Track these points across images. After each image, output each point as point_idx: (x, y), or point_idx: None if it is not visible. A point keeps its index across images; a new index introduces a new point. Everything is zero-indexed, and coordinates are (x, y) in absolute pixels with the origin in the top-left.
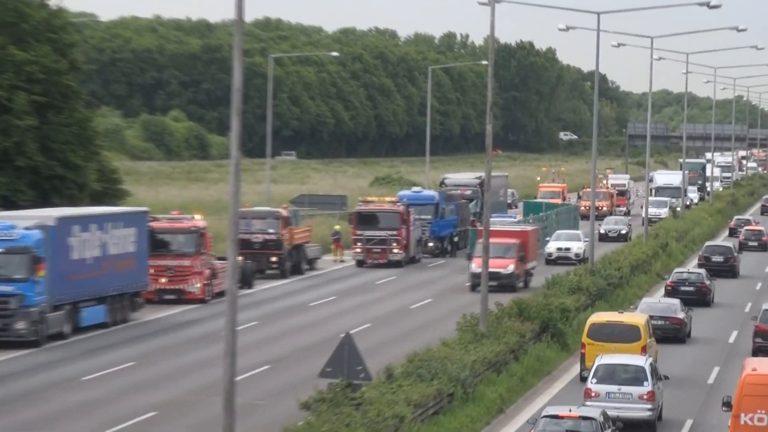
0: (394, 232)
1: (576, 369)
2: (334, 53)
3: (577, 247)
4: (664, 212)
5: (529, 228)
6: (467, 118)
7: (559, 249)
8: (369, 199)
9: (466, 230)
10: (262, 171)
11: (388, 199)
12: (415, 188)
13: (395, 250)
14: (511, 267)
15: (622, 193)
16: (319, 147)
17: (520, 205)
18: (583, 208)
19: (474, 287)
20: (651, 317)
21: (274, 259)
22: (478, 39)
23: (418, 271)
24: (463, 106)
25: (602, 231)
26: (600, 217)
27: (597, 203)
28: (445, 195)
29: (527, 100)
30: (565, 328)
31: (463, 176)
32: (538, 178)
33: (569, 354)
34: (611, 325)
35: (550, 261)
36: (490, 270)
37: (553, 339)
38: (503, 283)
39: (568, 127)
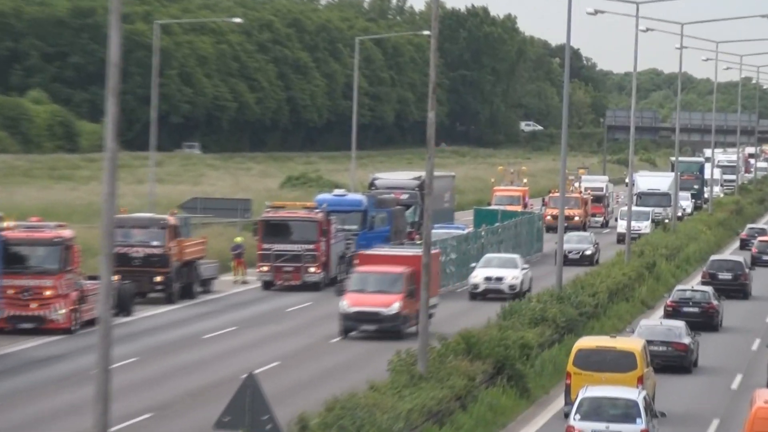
0: (311, 247)
1: (540, 420)
2: (237, 19)
3: (512, 276)
4: (644, 226)
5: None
6: (404, 102)
7: (488, 279)
8: (279, 204)
9: (401, 244)
10: (145, 168)
11: (303, 204)
12: (337, 191)
13: (312, 269)
14: (396, 305)
15: (599, 200)
16: (216, 138)
17: (462, 214)
18: (549, 217)
19: (347, 332)
20: (650, 342)
21: (158, 278)
22: (418, 3)
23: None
24: (399, 88)
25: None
26: (571, 228)
27: (567, 211)
28: (376, 200)
29: (480, 81)
30: (525, 369)
31: (398, 176)
32: (493, 180)
33: (530, 402)
34: (602, 351)
35: (476, 295)
36: (367, 309)
37: (511, 383)
38: (385, 328)
39: (532, 115)
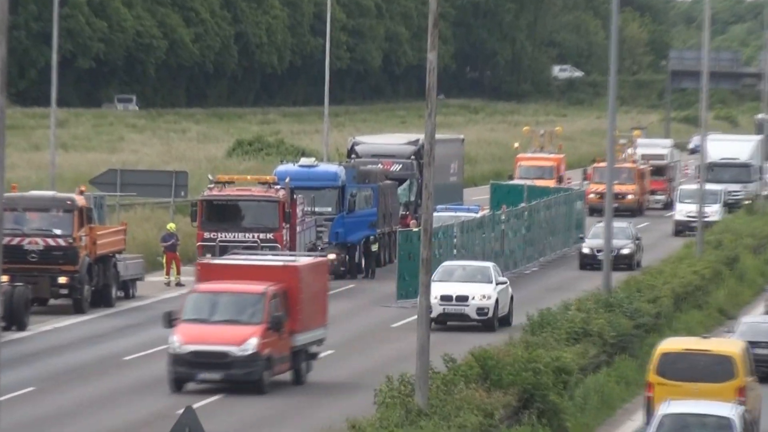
0: (269, 236)
1: None
2: None
3: (483, 294)
4: (713, 211)
5: (304, 262)
6: (395, 40)
7: (447, 299)
8: (226, 178)
9: (392, 232)
10: (44, 130)
11: (258, 178)
12: (305, 160)
13: None
14: (251, 343)
15: (660, 171)
16: (141, 89)
17: (473, 191)
18: (592, 195)
19: (179, 384)
20: (754, 345)
21: (63, 279)
22: None
23: None
24: (388, 20)
25: (585, 251)
26: (622, 210)
27: (617, 187)
28: (357, 172)
29: (498, 11)
30: (561, 402)
31: (387, 140)
32: (516, 145)
33: None
34: (692, 355)
35: (438, 322)
36: (208, 349)
37: (542, 420)
38: (235, 376)
39: (568, 56)
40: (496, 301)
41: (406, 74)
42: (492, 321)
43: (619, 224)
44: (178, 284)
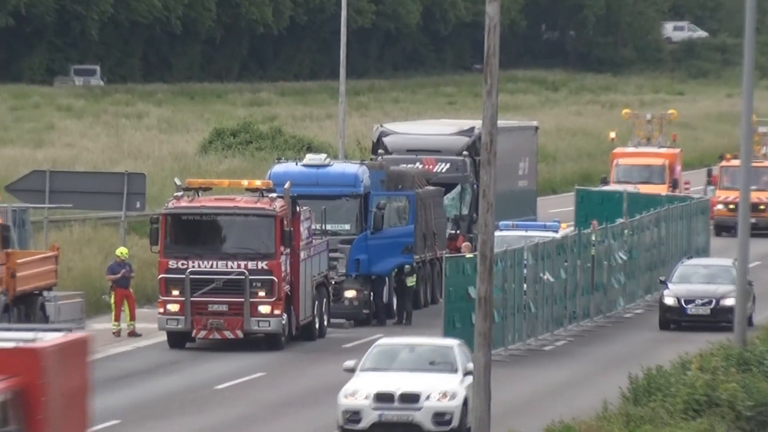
0: (262, 264)
1: None
2: None
3: (440, 392)
4: None
5: (51, 342)
6: None
7: (383, 399)
8: (200, 183)
9: (435, 259)
10: None
11: (245, 184)
12: (312, 157)
13: (263, 309)
14: None
15: None
16: (79, 57)
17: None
18: (719, 206)
19: None
20: None
21: None
22: None
23: (318, 362)
24: None
25: (668, 301)
26: (762, 228)
27: (756, 196)
28: (386, 174)
29: None
30: None
31: (428, 129)
32: (613, 135)
33: None
34: None
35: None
36: None
37: None
38: None
39: (685, 9)
40: (462, 403)
41: (456, 36)
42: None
43: (719, 263)
44: (132, 333)
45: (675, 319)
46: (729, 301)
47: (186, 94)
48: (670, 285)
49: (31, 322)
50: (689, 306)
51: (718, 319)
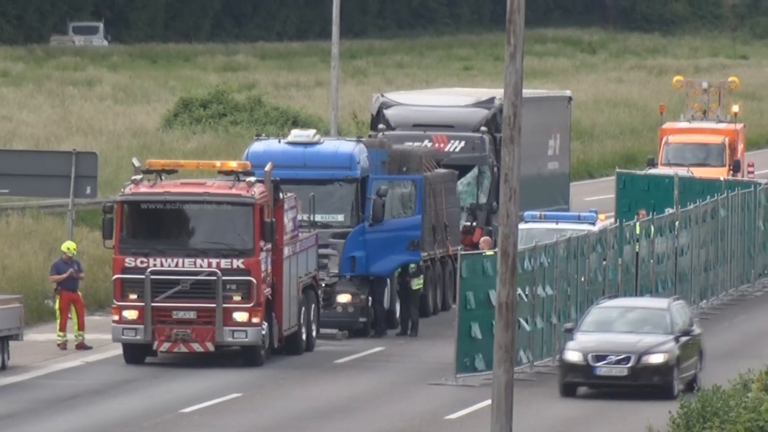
0: (238, 263)
1: None
2: None
3: None
4: None
5: None
6: None
7: None
8: (162, 164)
9: (447, 257)
10: None
11: (217, 165)
12: (298, 134)
13: (238, 317)
14: None
15: None
16: (17, 10)
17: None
18: None
19: None
20: None
21: None
22: None
23: (305, 381)
24: None
25: (571, 357)
26: None
27: None
28: (388, 154)
29: None
30: None
31: (439, 99)
32: (662, 108)
33: None
34: None
35: None
36: None
37: None
38: None
39: None
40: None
41: None
42: None
43: (649, 304)
44: (81, 346)
45: (580, 382)
46: (656, 358)
47: (146, 57)
48: (577, 335)
49: None
50: (599, 364)
51: (639, 382)
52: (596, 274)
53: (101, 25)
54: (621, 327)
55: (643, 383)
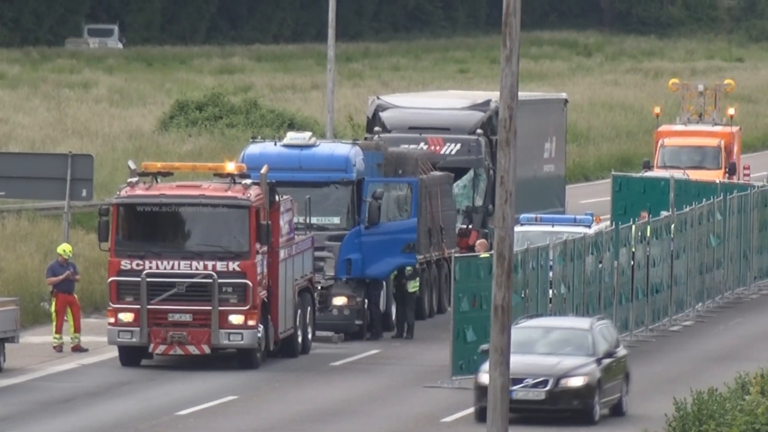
0: (234, 265)
1: None
2: None
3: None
4: None
5: None
6: None
7: None
8: (158, 167)
9: (443, 260)
10: None
11: (212, 167)
12: (294, 136)
13: (234, 319)
14: None
15: None
16: (9, 11)
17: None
18: None
19: None
20: None
21: None
22: None
23: (301, 384)
24: None
25: (485, 380)
26: None
27: None
28: (384, 157)
29: None
30: None
31: (435, 102)
32: (658, 110)
33: None
34: None
35: None
36: None
37: None
38: None
39: None
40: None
41: None
42: None
43: (572, 324)
44: (77, 348)
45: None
46: (575, 381)
47: (142, 60)
48: (482, 367)
49: None
50: (516, 387)
51: (557, 406)
52: (593, 276)
53: (116, 28)
54: (540, 348)
55: (562, 407)
